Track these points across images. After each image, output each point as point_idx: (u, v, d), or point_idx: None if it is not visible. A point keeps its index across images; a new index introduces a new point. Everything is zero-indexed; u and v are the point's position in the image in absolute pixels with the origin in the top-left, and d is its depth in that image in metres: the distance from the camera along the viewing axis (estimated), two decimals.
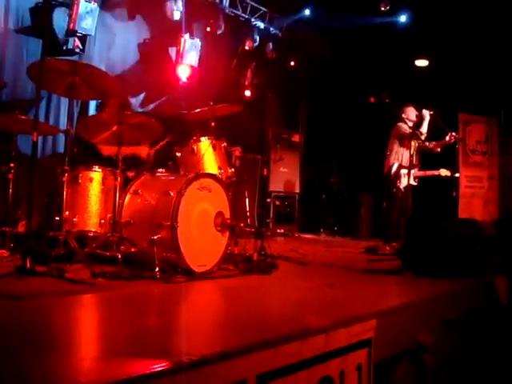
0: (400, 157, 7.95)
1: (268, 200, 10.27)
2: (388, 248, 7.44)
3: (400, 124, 7.97)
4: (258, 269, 5.00)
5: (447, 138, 7.89)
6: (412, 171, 7.62)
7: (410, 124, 7.83)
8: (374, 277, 5.38)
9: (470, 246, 5.34)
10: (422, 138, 7.88)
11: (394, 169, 7.88)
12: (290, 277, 5.18)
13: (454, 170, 8.48)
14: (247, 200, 7.25)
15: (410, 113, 7.92)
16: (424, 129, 7.85)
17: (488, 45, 10.00)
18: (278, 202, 10.43)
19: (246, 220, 7.10)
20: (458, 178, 9.26)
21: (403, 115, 7.92)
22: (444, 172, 7.97)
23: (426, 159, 8.11)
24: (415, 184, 7.83)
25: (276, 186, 10.45)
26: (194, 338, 2.82)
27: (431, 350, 3.88)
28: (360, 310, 3.58)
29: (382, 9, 10.47)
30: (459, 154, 9.31)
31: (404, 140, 7.92)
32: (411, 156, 7.53)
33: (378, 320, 3.39)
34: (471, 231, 5.67)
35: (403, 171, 7.74)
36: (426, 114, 7.79)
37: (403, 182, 7.72)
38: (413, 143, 7.63)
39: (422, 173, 7.97)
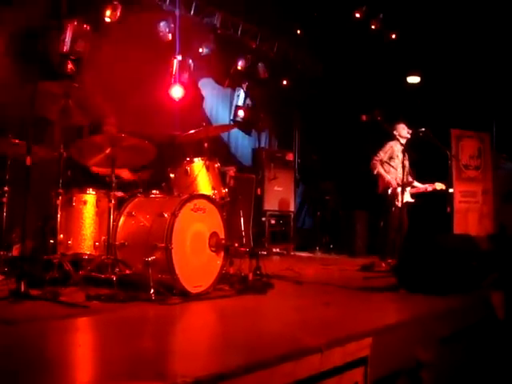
0: (394, 175, 7.97)
1: (263, 219, 10.27)
2: (384, 265, 7.43)
3: (383, 147, 8.10)
4: (254, 289, 4.98)
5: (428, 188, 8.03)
6: (408, 188, 7.68)
7: (403, 141, 7.87)
8: (370, 294, 5.38)
9: (465, 262, 5.35)
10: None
11: (390, 188, 7.90)
12: (285, 296, 5.18)
13: (448, 184, 8.51)
14: (242, 219, 7.24)
15: (402, 130, 7.95)
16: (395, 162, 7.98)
17: (478, 59, 10.09)
18: (273, 221, 10.42)
19: (241, 239, 7.09)
20: (452, 193, 9.28)
21: (395, 132, 7.98)
22: (439, 186, 8.02)
23: (418, 175, 8.14)
24: (412, 201, 7.87)
25: (271, 204, 10.45)
26: (190, 360, 2.82)
27: (428, 366, 3.87)
28: (355, 328, 3.57)
29: (373, 27, 10.56)
30: (452, 169, 9.35)
31: (392, 159, 7.99)
32: (406, 173, 7.53)
33: (373, 338, 3.39)
34: (466, 247, 5.68)
35: (399, 189, 7.76)
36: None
37: (400, 200, 7.75)
38: (406, 162, 7.65)
39: (417, 189, 8.00)
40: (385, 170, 8.03)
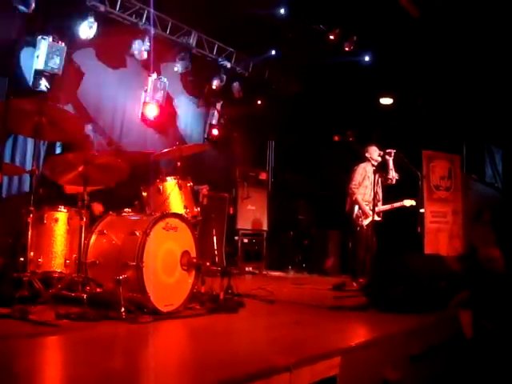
0: (362, 194, 8.05)
1: (236, 238, 10.28)
2: (355, 284, 7.49)
3: (356, 168, 8.15)
4: (225, 308, 4.99)
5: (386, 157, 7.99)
6: (375, 208, 7.74)
7: (374, 163, 7.97)
8: (340, 314, 5.40)
9: (434, 282, 5.42)
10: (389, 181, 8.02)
11: (356, 207, 7.99)
12: (256, 315, 5.18)
13: (419, 204, 8.60)
14: (215, 238, 7.26)
15: (374, 152, 8.03)
16: (390, 174, 8.03)
17: (449, 82, 10.29)
18: (245, 240, 10.43)
19: (213, 258, 7.10)
20: (422, 213, 9.39)
21: (367, 154, 8.08)
22: (408, 202, 8.10)
23: (388, 192, 8.24)
24: (379, 219, 7.91)
25: (244, 223, 10.47)
26: (160, 380, 2.82)
27: None
28: (325, 347, 3.60)
29: (347, 49, 10.71)
30: (423, 189, 9.47)
31: (364, 180, 8.07)
32: (375, 193, 7.59)
33: (342, 357, 3.42)
34: (435, 267, 5.76)
35: (368, 209, 7.86)
36: (390, 159, 7.95)
37: (366, 220, 7.85)
38: (376, 181, 7.73)
39: (386, 207, 8.08)
40: (359, 193, 8.05)
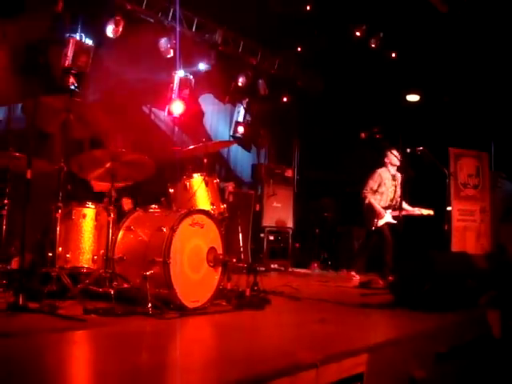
0: (378, 200, 8.25)
1: (261, 235, 10.28)
2: (381, 282, 7.47)
3: (372, 174, 8.36)
4: (251, 304, 4.99)
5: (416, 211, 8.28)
6: (389, 211, 8.11)
7: (392, 169, 8.29)
8: (367, 311, 5.39)
9: (461, 280, 5.37)
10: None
11: (370, 208, 8.23)
12: (282, 312, 5.19)
13: (446, 203, 8.60)
14: (240, 235, 7.27)
15: (393, 158, 8.22)
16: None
17: (478, 79, 10.16)
18: (271, 237, 10.43)
19: (239, 255, 7.11)
20: (450, 211, 9.31)
21: (386, 160, 8.25)
22: (426, 211, 8.26)
23: (415, 193, 8.26)
24: (394, 222, 8.06)
25: (269, 221, 10.46)
26: (186, 375, 2.83)
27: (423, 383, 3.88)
28: (352, 344, 3.59)
29: (373, 45, 10.64)
30: (451, 187, 9.37)
31: (380, 186, 8.31)
32: (392, 197, 7.85)
33: (369, 354, 3.40)
34: (462, 265, 5.71)
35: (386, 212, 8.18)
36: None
37: (381, 221, 8.11)
38: (392, 187, 8.14)
39: (406, 211, 8.19)
40: (374, 198, 8.27)
